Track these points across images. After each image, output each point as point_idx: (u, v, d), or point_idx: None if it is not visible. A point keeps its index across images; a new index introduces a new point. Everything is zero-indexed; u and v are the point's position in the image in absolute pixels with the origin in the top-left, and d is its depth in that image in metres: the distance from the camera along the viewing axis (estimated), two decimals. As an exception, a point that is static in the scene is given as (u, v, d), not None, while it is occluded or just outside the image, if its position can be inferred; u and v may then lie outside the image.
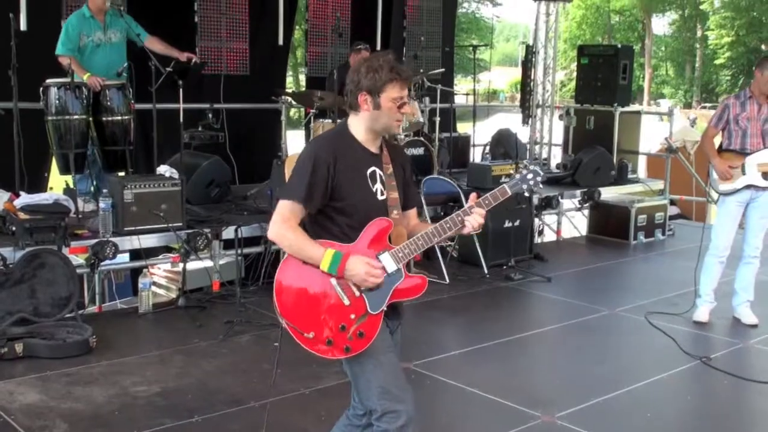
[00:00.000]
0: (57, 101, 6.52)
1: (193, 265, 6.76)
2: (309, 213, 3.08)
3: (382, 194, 3.16)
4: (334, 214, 3.10)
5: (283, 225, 3.03)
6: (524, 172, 3.25)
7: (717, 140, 6.43)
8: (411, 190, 3.35)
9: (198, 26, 9.07)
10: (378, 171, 3.16)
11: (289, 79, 28.76)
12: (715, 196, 6.59)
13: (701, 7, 55.37)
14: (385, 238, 3.10)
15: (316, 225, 3.13)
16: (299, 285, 3.05)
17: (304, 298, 3.05)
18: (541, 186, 3.31)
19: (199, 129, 7.85)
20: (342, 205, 3.08)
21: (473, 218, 3.11)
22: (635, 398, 5.01)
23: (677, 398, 5.14)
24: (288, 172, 6.50)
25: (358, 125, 3.15)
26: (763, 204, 6.25)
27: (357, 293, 3.03)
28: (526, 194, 3.33)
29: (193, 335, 5.85)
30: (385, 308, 3.08)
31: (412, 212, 3.33)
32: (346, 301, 3.03)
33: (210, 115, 7.99)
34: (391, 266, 3.07)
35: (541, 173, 3.26)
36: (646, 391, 5.12)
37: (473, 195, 3.20)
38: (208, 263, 6.81)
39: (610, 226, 9.84)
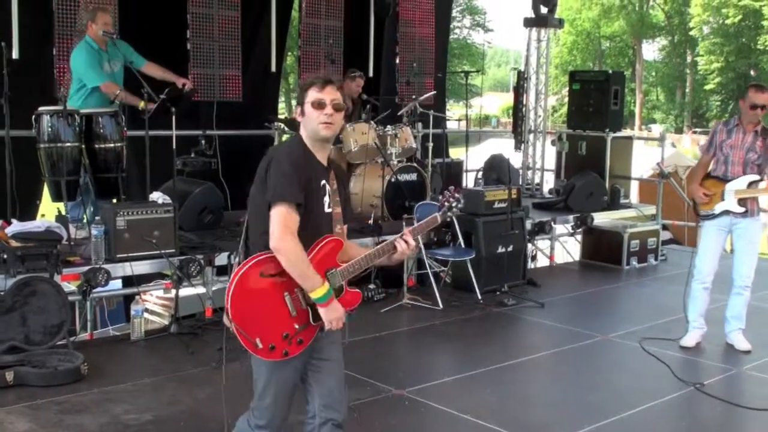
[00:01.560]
0: (49, 129, 6.51)
1: (185, 291, 6.73)
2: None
3: (329, 207, 3.39)
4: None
5: (292, 238, 3.19)
6: (451, 200, 3.58)
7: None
8: (348, 207, 3.67)
9: (190, 53, 9.10)
10: (326, 185, 3.38)
11: (282, 105, 28.84)
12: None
13: (691, 33, 55.87)
14: (336, 257, 3.36)
15: (264, 233, 3.25)
16: (254, 295, 3.25)
17: (256, 308, 3.26)
18: (457, 212, 3.66)
19: (192, 155, 7.85)
20: (301, 213, 3.24)
21: (403, 244, 3.42)
22: (629, 425, 5.00)
23: (671, 425, 5.12)
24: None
25: (304, 136, 3.38)
26: (746, 230, 6.28)
27: (303, 305, 3.30)
28: (449, 219, 3.72)
29: (185, 362, 5.82)
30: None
31: (345, 228, 3.55)
32: (293, 313, 3.29)
33: (203, 142, 8.00)
34: (337, 283, 3.35)
35: (462, 202, 3.60)
36: (639, 418, 5.11)
37: (405, 230, 3.49)
38: (201, 290, 6.78)
39: (603, 252, 9.85)
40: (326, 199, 3.37)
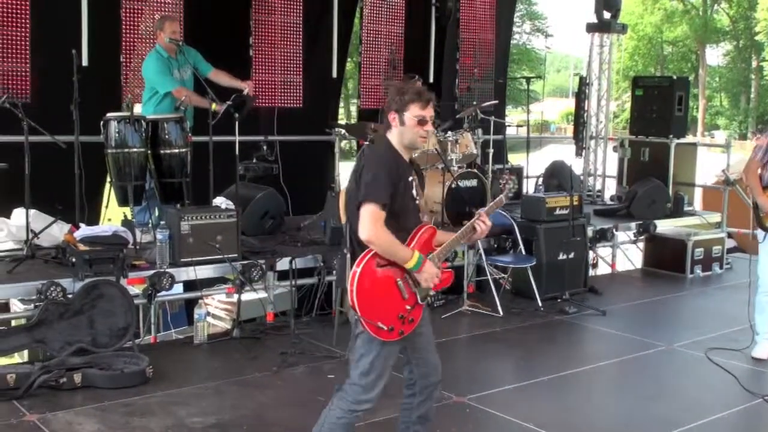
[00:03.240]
0: (117, 134, 6.65)
1: (247, 296, 6.79)
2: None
3: (415, 199, 3.81)
4: (390, 217, 3.61)
5: (377, 227, 3.57)
6: (510, 183, 4.17)
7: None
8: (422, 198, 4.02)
9: (252, 59, 9.20)
10: (413, 179, 3.79)
11: (341, 111, 29.00)
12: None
13: (756, 38, 54.67)
14: (432, 242, 3.79)
15: None
16: (374, 285, 3.64)
17: (376, 295, 3.64)
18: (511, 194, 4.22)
19: (254, 161, 7.93)
20: (397, 208, 3.65)
21: (483, 223, 3.85)
22: (695, 436, 4.91)
23: (739, 437, 5.02)
24: (341, 203, 6.52)
25: (394, 140, 3.76)
26: None
27: (413, 288, 3.72)
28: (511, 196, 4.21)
29: (247, 366, 5.88)
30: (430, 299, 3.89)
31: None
32: (405, 296, 3.70)
33: (264, 147, 8.07)
34: (434, 264, 3.76)
35: (516, 183, 4.19)
36: (705, 430, 5.01)
37: (482, 210, 3.93)
38: (263, 294, 6.84)
39: (666, 260, 9.69)
40: (413, 192, 3.78)
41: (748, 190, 6.38)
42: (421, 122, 3.69)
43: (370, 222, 3.56)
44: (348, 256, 3.73)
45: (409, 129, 3.70)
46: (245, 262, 6.57)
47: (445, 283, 3.85)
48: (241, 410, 5.07)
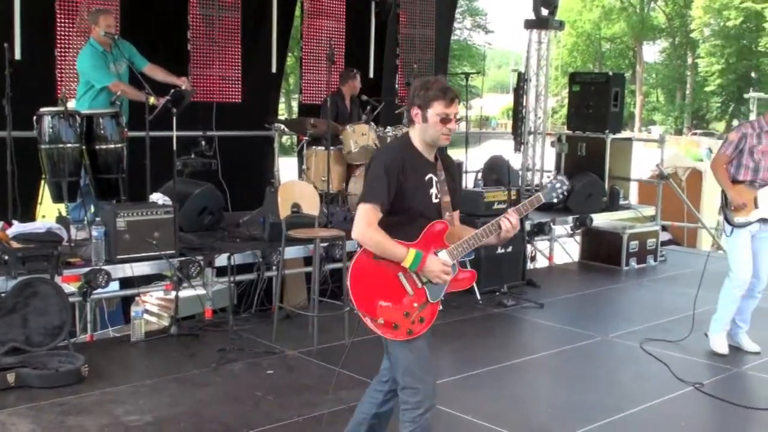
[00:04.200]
0: (50, 130, 6.52)
1: (185, 292, 6.74)
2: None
3: (436, 198, 3.67)
4: (397, 215, 3.56)
5: (369, 227, 3.49)
6: (554, 182, 3.77)
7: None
8: (458, 195, 3.88)
9: (190, 54, 9.11)
10: (434, 177, 3.66)
11: (282, 106, 28.85)
12: (708, 222, 6.57)
13: (691, 35, 55.88)
14: (443, 238, 3.62)
15: (383, 225, 3.54)
16: (371, 279, 3.52)
17: (375, 290, 3.53)
18: (566, 194, 3.87)
19: (192, 156, 7.85)
20: (406, 207, 3.57)
21: (509, 222, 3.62)
22: (628, 425, 5.01)
23: (671, 425, 5.12)
24: (281, 199, 6.52)
25: (415, 136, 3.67)
26: None
27: (419, 285, 3.57)
28: (555, 201, 3.84)
29: (185, 363, 5.83)
30: (443, 297, 3.64)
31: (456, 213, 3.80)
32: (411, 292, 3.56)
33: (203, 143, 8.00)
34: (448, 262, 3.59)
35: (567, 184, 3.78)
36: (639, 417, 5.12)
37: (510, 210, 3.69)
38: (201, 291, 6.79)
39: (602, 252, 9.86)
40: (433, 190, 3.65)
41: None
42: (444, 120, 3.56)
43: (362, 222, 3.49)
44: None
45: (431, 126, 3.58)
46: (183, 258, 6.52)
47: (466, 283, 3.73)
48: (178, 407, 5.03)
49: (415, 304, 3.56)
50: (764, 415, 5.25)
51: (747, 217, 6.10)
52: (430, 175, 3.65)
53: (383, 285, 3.53)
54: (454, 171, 3.82)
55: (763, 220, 6.11)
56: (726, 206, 6.17)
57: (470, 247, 3.63)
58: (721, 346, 6.37)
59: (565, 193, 3.78)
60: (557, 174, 3.49)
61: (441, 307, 3.69)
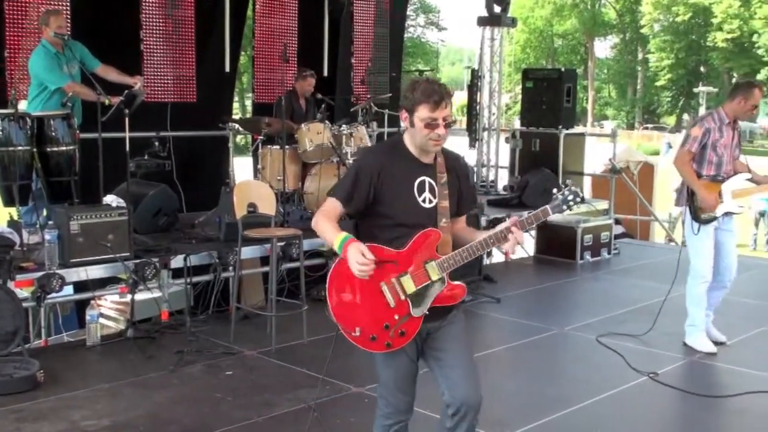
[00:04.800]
0: (0, 133, 6.41)
1: (141, 295, 6.68)
2: (350, 213, 3.44)
3: (429, 202, 3.42)
4: (380, 219, 3.39)
5: (319, 214, 3.40)
6: (566, 193, 3.37)
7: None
8: (466, 197, 3.63)
9: (143, 54, 9.02)
10: (429, 180, 3.43)
11: (236, 106, 28.69)
12: (660, 215, 6.63)
13: (642, 30, 56.65)
14: (434, 248, 3.35)
15: (367, 228, 3.44)
16: (350, 285, 3.33)
17: (353, 299, 3.34)
18: (579, 206, 3.50)
19: (146, 157, 7.78)
20: (385, 211, 3.38)
21: (513, 236, 3.30)
22: (585, 416, 5.08)
23: (626, 414, 5.21)
24: (236, 198, 6.49)
25: (407, 139, 3.45)
26: (732, 227, 6.30)
27: (402, 296, 3.32)
28: (566, 213, 3.56)
29: (142, 366, 5.78)
30: (427, 312, 3.35)
31: (463, 218, 3.61)
32: (392, 303, 3.32)
33: (156, 143, 7.93)
34: (436, 274, 3.33)
35: (581, 194, 3.39)
36: (595, 408, 5.20)
37: (514, 218, 3.35)
38: (157, 293, 6.74)
39: (557, 247, 9.97)
40: (426, 195, 3.41)
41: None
42: (430, 125, 3.30)
43: (318, 211, 3.42)
44: None
45: (418, 131, 3.34)
46: (138, 260, 6.46)
47: (455, 298, 3.41)
48: (136, 411, 4.99)
49: (396, 317, 3.32)
50: (717, 402, 5.37)
51: (713, 213, 6.10)
52: (422, 179, 3.42)
53: (363, 294, 3.33)
54: (461, 172, 3.58)
55: (726, 214, 6.13)
56: (692, 203, 6.12)
57: (463, 259, 3.33)
58: (707, 345, 6.33)
59: (577, 205, 3.42)
60: (569, 183, 3.10)
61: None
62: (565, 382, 5.74)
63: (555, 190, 3.38)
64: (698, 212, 6.13)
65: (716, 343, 6.38)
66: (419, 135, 3.35)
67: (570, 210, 3.44)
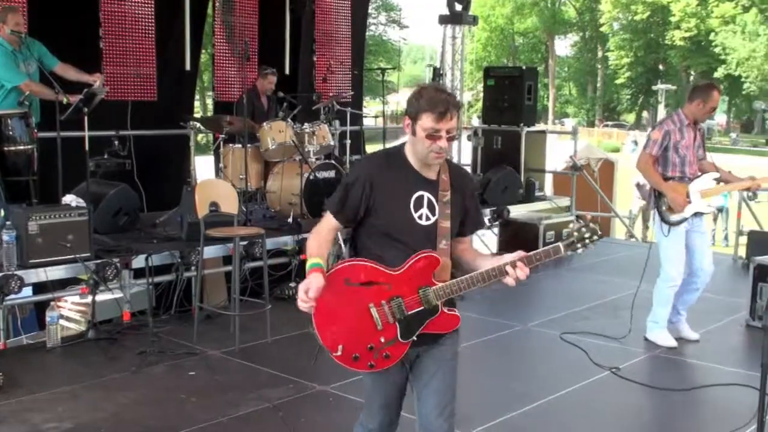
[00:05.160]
0: (-45, 132, 6.32)
1: (102, 296, 6.60)
2: (347, 225, 3.24)
3: (427, 219, 3.19)
4: (373, 232, 3.19)
5: (314, 234, 3.25)
6: (583, 230, 3.16)
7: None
8: (471, 219, 3.36)
9: (102, 51, 8.91)
10: (428, 196, 3.19)
11: (197, 104, 28.50)
12: (620, 211, 6.67)
13: (601, 29, 57.23)
14: (431, 274, 3.15)
15: (362, 240, 3.25)
16: (338, 303, 3.12)
17: (339, 315, 3.13)
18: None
19: (106, 157, 7.70)
20: (378, 224, 3.17)
21: (517, 272, 3.10)
22: (548, 411, 5.12)
23: (588, 408, 5.25)
24: (198, 198, 6.45)
25: (409, 149, 3.21)
26: (704, 228, 6.35)
27: (391, 320, 3.13)
28: (579, 252, 3.22)
29: (104, 368, 5.72)
30: (415, 338, 3.17)
31: (466, 239, 3.38)
32: (379, 326, 3.13)
33: (116, 143, 7.85)
34: (430, 302, 3.14)
35: (599, 233, 3.16)
36: (558, 403, 5.24)
37: (520, 252, 3.15)
38: (118, 294, 6.67)
39: (520, 243, 9.78)
40: (423, 211, 3.18)
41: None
42: (431, 136, 3.07)
43: (314, 228, 3.26)
44: None
45: (419, 141, 3.10)
46: (99, 261, 6.39)
47: (448, 326, 3.23)
48: (99, 413, 4.93)
49: (382, 339, 3.14)
50: (677, 396, 5.43)
51: (683, 214, 6.12)
52: (421, 194, 3.17)
53: (350, 312, 3.12)
54: (467, 191, 3.32)
55: (695, 214, 6.15)
56: (660, 205, 6.14)
57: (461, 290, 3.14)
58: (668, 340, 6.38)
59: (593, 245, 3.17)
60: (585, 221, 2.75)
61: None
62: (528, 378, 5.78)
63: (571, 226, 3.10)
64: (667, 213, 6.15)
65: (688, 341, 6.43)
66: (420, 146, 3.11)
67: (587, 249, 3.19)
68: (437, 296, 3.14)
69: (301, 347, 6.25)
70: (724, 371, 5.89)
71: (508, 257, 3.13)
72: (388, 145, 10.44)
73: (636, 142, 38.88)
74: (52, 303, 6.35)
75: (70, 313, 7.50)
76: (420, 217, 3.17)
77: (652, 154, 6.10)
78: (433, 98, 3.06)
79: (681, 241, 6.19)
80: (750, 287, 6.95)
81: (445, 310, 3.19)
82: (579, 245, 3.16)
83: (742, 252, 9.56)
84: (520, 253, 3.13)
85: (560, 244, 3.15)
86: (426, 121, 3.06)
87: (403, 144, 3.25)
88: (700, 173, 6.18)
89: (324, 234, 3.24)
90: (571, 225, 2.86)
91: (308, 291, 3.02)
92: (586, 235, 3.15)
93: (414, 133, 3.12)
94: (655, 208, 6.21)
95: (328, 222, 3.24)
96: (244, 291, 7.13)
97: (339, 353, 3.15)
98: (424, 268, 3.14)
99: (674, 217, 6.14)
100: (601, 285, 8.33)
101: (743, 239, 9.67)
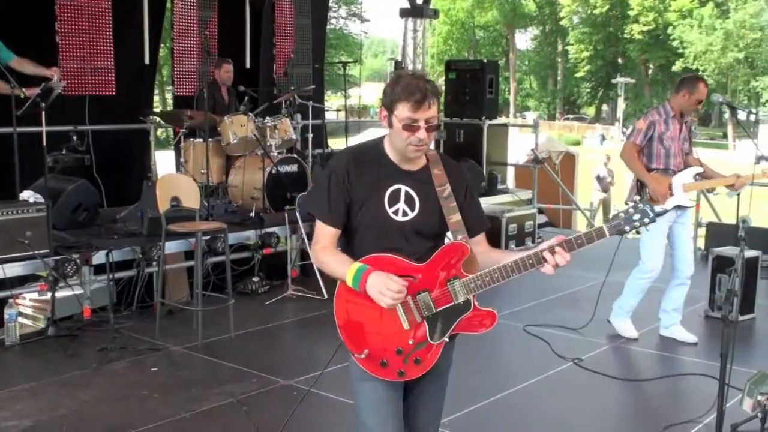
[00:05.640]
0: None
1: (62, 292, 6.52)
2: (340, 224, 2.93)
3: (404, 215, 2.91)
4: (350, 229, 2.95)
5: (320, 251, 2.94)
6: (631, 211, 2.87)
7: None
8: (470, 213, 3.03)
9: (59, 46, 8.78)
10: (406, 189, 2.92)
11: (156, 98, 28.25)
12: (581, 203, 6.69)
13: (561, 23, 57.68)
14: (460, 264, 2.87)
15: (344, 239, 2.99)
16: (359, 301, 2.85)
17: (362, 316, 2.87)
18: (647, 229, 2.98)
19: (64, 152, 7.60)
20: (356, 221, 2.93)
21: (557, 258, 2.83)
22: (511, 402, 5.16)
23: (550, 399, 5.29)
24: (159, 192, 6.38)
25: (387, 142, 2.97)
26: (688, 221, 6.33)
27: (419, 318, 2.86)
28: (627, 235, 2.97)
29: (65, 365, 5.65)
30: (447, 339, 2.92)
31: (480, 238, 3.07)
32: (406, 326, 2.86)
33: (74, 138, 7.74)
34: (461, 295, 2.88)
35: (652, 214, 2.87)
36: (521, 394, 5.28)
37: (560, 236, 2.88)
38: (78, 290, 6.59)
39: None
40: (399, 206, 2.91)
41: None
42: (409, 127, 2.81)
43: (314, 245, 2.96)
44: None
45: (396, 133, 2.85)
46: (58, 257, 6.31)
47: (483, 326, 2.93)
48: (59, 410, 4.87)
49: (411, 341, 2.85)
50: (638, 386, 5.50)
51: (664, 206, 6.14)
52: (397, 187, 2.91)
53: (374, 312, 2.84)
54: (463, 184, 3.02)
55: (678, 207, 6.11)
56: (642, 196, 6.07)
57: (493, 281, 2.86)
58: (630, 330, 6.42)
59: (647, 228, 2.92)
60: (638, 198, 2.49)
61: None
62: (492, 370, 5.81)
63: (629, 203, 2.90)
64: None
65: (688, 344, 6.31)
66: (397, 138, 2.85)
67: (636, 232, 2.91)
68: (468, 289, 2.87)
69: (265, 342, 6.23)
70: (685, 361, 5.97)
71: (546, 244, 2.85)
72: (351, 139, 10.53)
73: (603, 136, 39.25)
74: (10, 300, 6.25)
75: (29, 310, 7.38)
76: (396, 213, 2.91)
77: (636, 144, 6.09)
78: (409, 85, 2.81)
79: (662, 235, 6.17)
80: (709, 278, 7.03)
81: (478, 306, 2.91)
82: (626, 227, 2.86)
83: (701, 244, 9.69)
84: (559, 238, 2.85)
85: (604, 226, 2.86)
86: (402, 110, 2.81)
87: (383, 137, 3.01)
88: (684, 167, 6.14)
89: (330, 246, 2.94)
90: (632, 201, 2.44)
91: (390, 286, 2.74)
92: (635, 218, 2.86)
93: (391, 124, 2.87)
94: (639, 198, 6.18)
95: (327, 233, 2.94)
96: (207, 286, 7.08)
97: (363, 356, 2.88)
98: (453, 258, 2.87)
99: (656, 209, 6.12)
100: (564, 277, 8.33)
101: (702, 231, 9.80)
